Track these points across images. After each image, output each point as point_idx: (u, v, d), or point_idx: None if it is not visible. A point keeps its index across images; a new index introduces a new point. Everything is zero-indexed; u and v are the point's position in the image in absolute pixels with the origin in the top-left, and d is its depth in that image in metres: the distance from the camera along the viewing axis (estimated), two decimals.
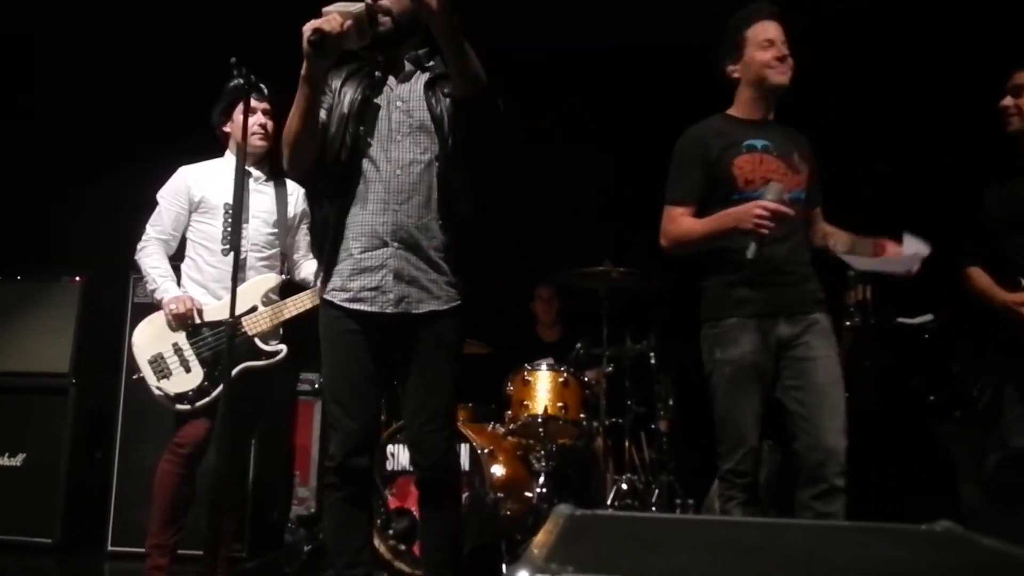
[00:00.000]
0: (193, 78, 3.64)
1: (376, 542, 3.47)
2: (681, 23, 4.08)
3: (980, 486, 2.76)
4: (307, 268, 3.09)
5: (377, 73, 2.35)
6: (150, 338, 2.85)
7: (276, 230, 3.02)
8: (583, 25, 4.30)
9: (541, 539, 1.09)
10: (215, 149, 3.10)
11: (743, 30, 2.51)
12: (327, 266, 2.33)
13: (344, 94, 2.31)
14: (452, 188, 2.29)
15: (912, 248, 2.43)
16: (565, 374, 3.68)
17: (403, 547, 3.40)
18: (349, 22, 2.09)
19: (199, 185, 2.99)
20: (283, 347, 2.94)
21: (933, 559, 1.14)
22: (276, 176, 3.05)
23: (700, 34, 2.84)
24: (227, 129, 3.03)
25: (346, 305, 2.28)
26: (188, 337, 2.85)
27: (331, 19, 2.07)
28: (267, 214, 3.01)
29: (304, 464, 4.16)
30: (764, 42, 2.47)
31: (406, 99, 2.32)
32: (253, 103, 2.83)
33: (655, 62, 4.33)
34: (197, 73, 3.47)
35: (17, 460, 3.93)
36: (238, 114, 2.84)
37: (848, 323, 3.41)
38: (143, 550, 2.83)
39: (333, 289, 2.31)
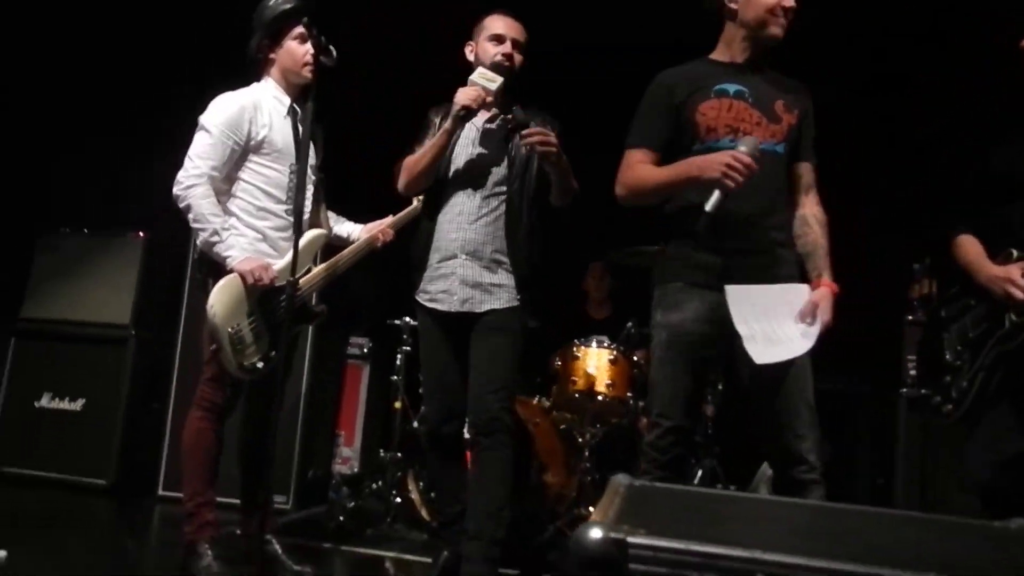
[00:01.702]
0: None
1: (417, 504, 3.54)
2: None
3: (962, 489, 2.53)
4: (342, 228, 3.04)
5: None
6: (229, 307, 2.62)
7: (320, 179, 2.93)
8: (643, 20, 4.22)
9: (605, 504, 1.09)
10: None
11: None
12: (414, 269, 2.79)
13: (442, 129, 2.68)
14: (518, 220, 2.72)
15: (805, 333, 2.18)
16: (615, 352, 3.66)
17: None
18: (489, 98, 2.60)
19: (261, 121, 2.75)
20: (324, 306, 2.93)
21: (1010, 556, 1.11)
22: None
23: None
24: (272, 56, 2.80)
25: (428, 304, 2.76)
26: (260, 304, 2.68)
27: (477, 95, 2.57)
28: (315, 159, 2.88)
29: (350, 425, 4.24)
30: None
31: (489, 141, 2.76)
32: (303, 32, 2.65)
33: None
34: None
35: (77, 405, 4.07)
36: (290, 41, 2.74)
37: (911, 317, 3.32)
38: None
39: (419, 290, 2.79)
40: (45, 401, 4.09)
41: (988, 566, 1.05)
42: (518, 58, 2.70)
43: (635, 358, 3.73)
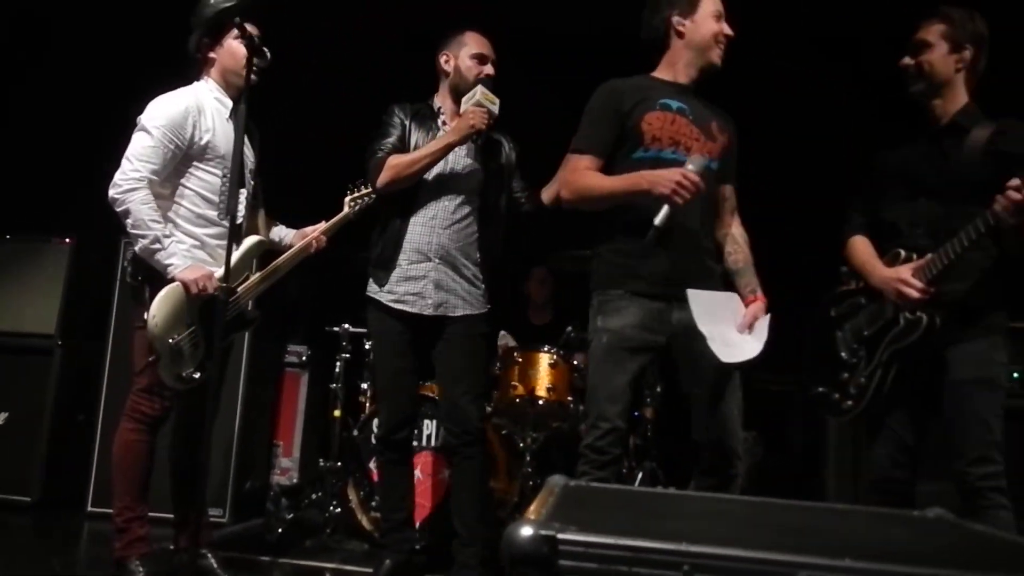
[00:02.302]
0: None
1: (358, 514, 3.48)
2: None
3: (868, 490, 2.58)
4: (274, 233, 2.96)
5: (442, 119, 2.86)
6: (170, 318, 2.56)
7: (257, 182, 2.86)
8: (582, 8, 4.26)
9: (539, 503, 1.09)
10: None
11: None
12: (377, 268, 2.81)
13: (413, 132, 2.80)
14: (490, 225, 2.85)
15: (755, 337, 2.35)
16: (555, 356, 3.68)
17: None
18: (492, 121, 2.72)
19: (205, 125, 2.66)
20: (258, 312, 2.94)
21: (926, 543, 1.15)
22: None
23: None
24: (212, 55, 2.74)
25: (392, 305, 2.77)
26: (200, 314, 2.61)
27: (484, 117, 2.68)
28: (252, 163, 2.82)
29: (288, 435, 4.16)
30: (716, 13, 2.43)
31: (466, 150, 2.83)
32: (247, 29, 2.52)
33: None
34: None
35: (0, 418, 3.91)
36: (231, 40, 2.68)
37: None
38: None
39: (381, 289, 2.80)
40: None
41: (905, 552, 1.09)
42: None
43: (575, 362, 3.75)
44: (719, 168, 2.44)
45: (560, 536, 0.88)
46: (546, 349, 3.70)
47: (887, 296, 2.41)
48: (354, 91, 4.37)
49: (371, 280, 2.85)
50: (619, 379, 2.31)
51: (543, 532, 0.88)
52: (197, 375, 2.62)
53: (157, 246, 2.54)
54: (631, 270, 2.34)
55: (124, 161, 2.57)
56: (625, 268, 2.35)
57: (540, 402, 3.58)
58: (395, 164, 2.72)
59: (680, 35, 2.45)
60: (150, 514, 2.68)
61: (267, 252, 2.92)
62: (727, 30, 2.44)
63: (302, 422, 4.13)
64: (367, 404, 3.74)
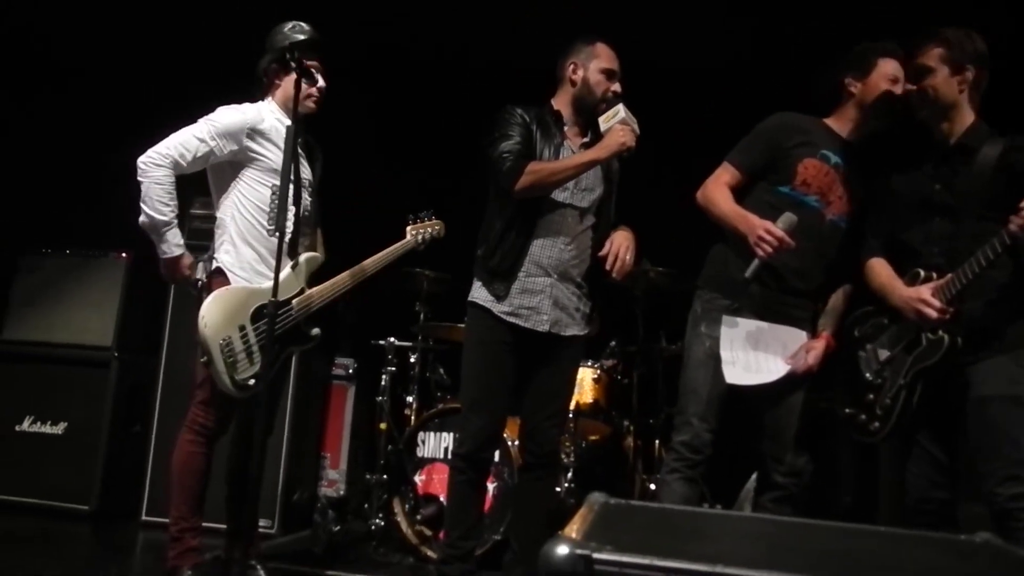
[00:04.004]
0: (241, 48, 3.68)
1: (404, 527, 3.51)
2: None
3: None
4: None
5: (565, 128, 2.77)
6: (220, 319, 2.64)
7: (314, 200, 2.96)
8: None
9: (577, 521, 1.10)
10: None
11: (876, 56, 2.58)
12: (492, 277, 2.69)
13: (539, 138, 2.70)
14: (601, 242, 2.72)
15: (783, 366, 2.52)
16: (599, 370, 3.68)
17: (430, 533, 3.43)
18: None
19: (262, 141, 2.79)
20: (318, 329, 2.91)
21: (973, 569, 1.12)
22: (307, 136, 2.96)
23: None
24: (278, 81, 2.88)
25: (504, 317, 2.67)
26: (252, 320, 2.69)
27: (633, 136, 2.61)
28: (310, 185, 2.93)
29: (335, 447, 4.22)
30: (892, 77, 2.56)
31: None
32: (314, 67, 2.77)
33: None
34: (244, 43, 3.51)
35: (59, 428, 4.03)
36: (291, 79, 2.72)
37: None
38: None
39: (496, 300, 2.68)
40: (27, 424, 4.05)
41: None
42: None
43: (618, 376, 3.75)
44: (847, 227, 2.61)
45: (596, 556, 0.88)
46: (590, 363, 3.70)
47: (908, 316, 2.41)
48: (417, 120, 4.53)
49: (481, 286, 2.73)
50: (717, 385, 2.48)
51: (579, 551, 0.88)
52: (252, 382, 2.66)
53: (163, 228, 2.70)
54: (740, 288, 2.51)
55: (166, 139, 2.72)
56: (733, 283, 2.53)
57: (583, 416, 3.58)
58: (536, 171, 2.61)
59: (851, 94, 2.60)
60: (203, 524, 2.75)
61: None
62: (897, 89, 2.54)
63: (349, 434, 4.19)
64: (412, 418, 3.78)
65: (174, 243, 2.73)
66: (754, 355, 2.50)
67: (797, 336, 2.58)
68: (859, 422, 2.54)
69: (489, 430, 2.71)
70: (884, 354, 2.50)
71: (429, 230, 3.11)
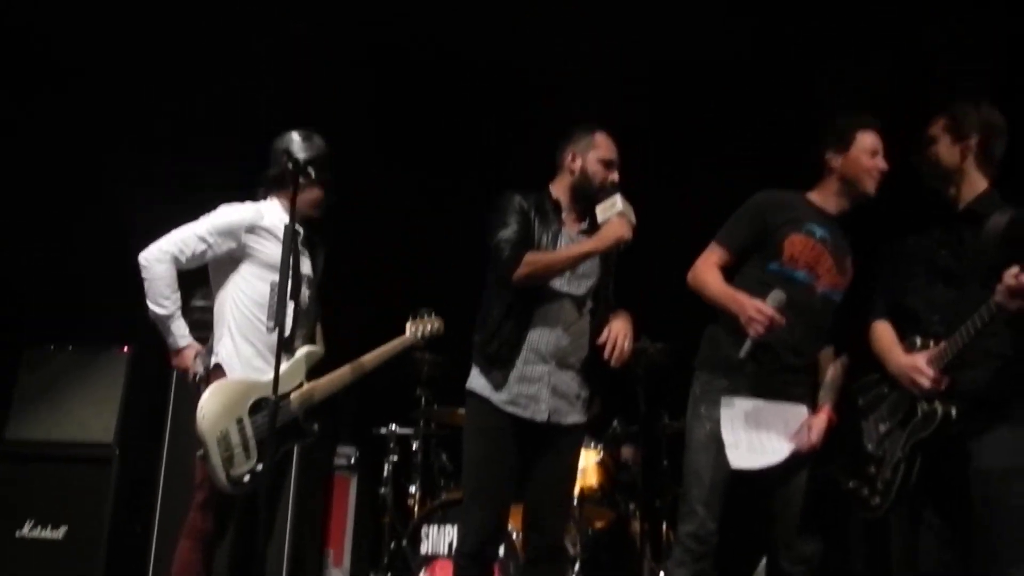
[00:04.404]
0: (242, 144, 3.79)
1: None
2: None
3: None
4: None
5: (563, 215, 2.78)
6: (218, 412, 2.68)
7: (313, 295, 3.00)
8: None
9: None
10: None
11: (855, 130, 2.63)
12: (490, 365, 2.67)
13: (537, 226, 2.71)
14: (599, 327, 2.70)
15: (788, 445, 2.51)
16: (601, 453, 3.65)
17: None
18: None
19: (266, 239, 2.86)
20: (317, 425, 2.93)
21: None
22: (311, 234, 3.03)
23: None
24: (284, 190, 2.92)
25: (503, 407, 2.63)
26: (250, 412, 2.73)
27: (629, 228, 2.61)
28: (310, 280, 2.98)
29: (339, 542, 4.16)
30: (872, 150, 2.61)
31: None
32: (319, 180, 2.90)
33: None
34: (246, 139, 3.62)
35: (59, 533, 3.96)
36: (306, 188, 2.84)
37: None
38: None
39: (494, 389, 2.65)
40: (27, 530, 3.98)
41: None
42: None
43: (622, 458, 3.72)
44: (840, 300, 2.65)
45: None
46: (592, 445, 3.67)
47: (904, 384, 2.41)
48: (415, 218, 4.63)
49: (479, 374, 2.71)
50: (720, 468, 2.47)
51: None
52: (248, 479, 2.67)
53: (168, 322, 2.81)
54: (737, 367, 2.49)
55: (166, 235, 2.83)
56: (729, 363, 2.51)
57: (587, 502, 3.54)
58: (534, 262, 2.63)
59: (832, 169, 2.65)
60: None
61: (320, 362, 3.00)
62: (882, 165, 2.60)
63: (352, 528, 4.13)
64: (416, 508, 3.74)
65: (179, 335, 2.83)
66: (756, 436, 2.49)
67: (798, 412, 2.57)
68: (862, 496, 2.52)
69: (492, 523, 2.65)
70: (884, 425, 2.49)
71: (428, 326, 3.16)
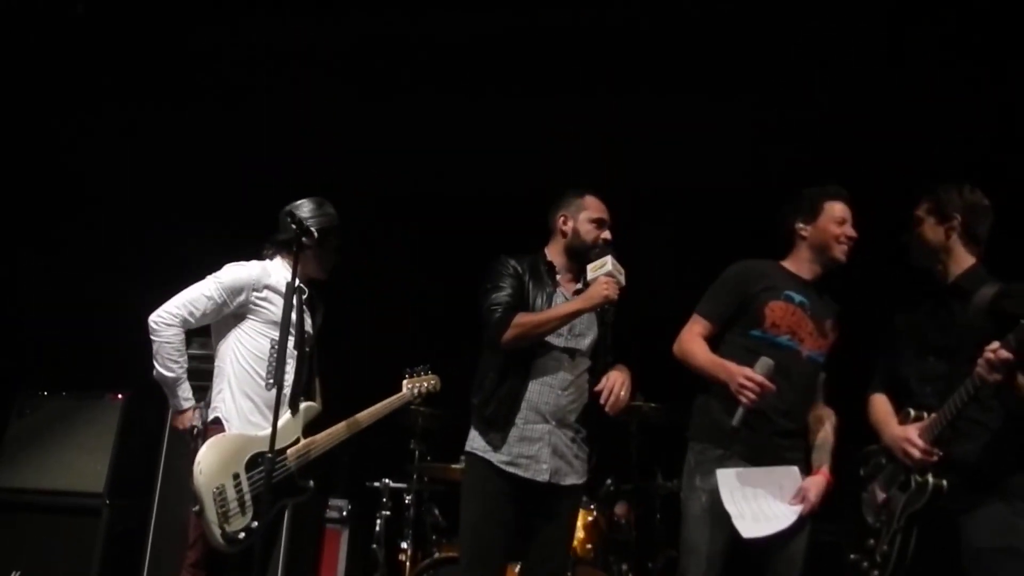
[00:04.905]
0: (235, 200, 3.88)
1: None
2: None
3: None
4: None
5: (558, 277, 2.84)
6: (215, 467, 2.69)
7: (312, 351, 3.03)
8: None
9: None
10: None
11: (823, 200, 2.72)
12: (489, 427, 2.68)
13: (531, 288, 2.77)
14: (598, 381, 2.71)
15: (793, 509, 2.51)
16: (595, 512, 3.64)
17: None
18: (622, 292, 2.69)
19: (271, 296, 2.91)
20: (312, 483, 2.94)
21: None
22: (311, 296, 3.08)
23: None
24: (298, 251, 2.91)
25: (503, 467, 2.64)
26: (247, 468, 2.74)
27: (616, 289, 2.65)
28: (310, 337, 3.03)
29: None
30: (840, 219, 2.69)
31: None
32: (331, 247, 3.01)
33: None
34: (238, 195, 3.70)
35: None
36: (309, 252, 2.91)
37: None
38: None
39: (493, 450, 2.66)
40: None
41: None
42: None
43: (615, 517, 3.71)
44: (824, 361, 2.69)
45: None
46: (585, 505, 3.65)
47: (897, 456, 2.45)
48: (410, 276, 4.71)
49: (478, 436, 2.73)
50: (717, 541, 2.47)
51: None
52: (243, 535, 2.66)
53: (174, 386, 2.87)
54: (731, 434, 2.50)
55: (176, 297, 2.87)
56: (722, 431, 2.53)
57: (581, 563, 3.51)
58: (522, 323, 2.66)
59: (803, 237, 2.73)
60: None
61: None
62: (850, 232, 2.69)
63: None
64: (408, 564, 3.71)
65: (183, 398, 2.90)
66: (756, 504, 2.50)
67: (791, 475, 2.58)
68: (862, 569, 2.52)
69: None
70: (881, 496, 2.51)
71: (425, 384, 3.21)
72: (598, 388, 2.65)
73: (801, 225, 2.72)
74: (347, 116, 4.68)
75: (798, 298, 2.64)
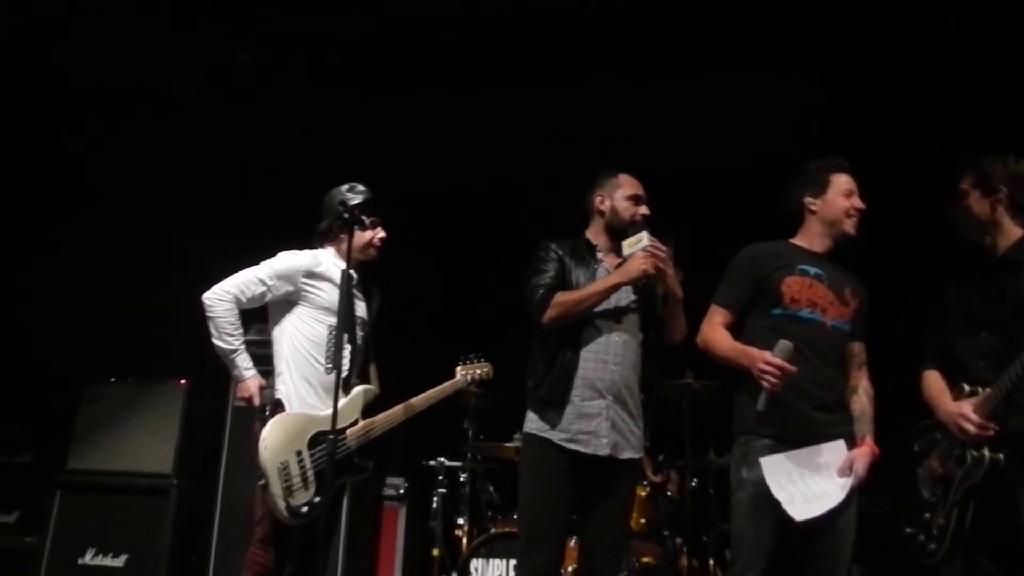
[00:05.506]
0: (300, 182, 3.98)
1: None
2: None
3: None
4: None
5: (599, 255, 2.88)
6: (280, 443, 2.81)
7: (367, 336, 3.12)
8: None
9: None
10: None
11: (829, 172, 2.70)
12: (546, 406, 2.72)
13: (573, 268, 2.82)
14: (650, 361, 2.82)
15: (842, 484, 2.47)
16: (648, 487, 3.67)
17: None
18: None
19: (322, 283, 3.01)
20: (370, 463, 3.04)
21: None
22: (365, 279, 3.18)
23: None
24: (343, 235, 3.05)
25: (564, 444, 2.68)
26: (309, 446, 2.85)
27: (653, 262, 2.68)
28: (364, 322, 3.11)
29: (388, 572, 4.20)
30: (847, 191, 2.68)
31: (630, 287, 2.81)
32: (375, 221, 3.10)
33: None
34: (304, 177, 3.80)
35: (120, 561, 4.08)
36: (359, 231, 3.01)
37: None
38: None
39: (552, 428, 2.70)
40: (88, 558, 4.11)
41: None
42: None
43: (668, 493, 3.73)
44: (850, 329, 2.65)
45: None
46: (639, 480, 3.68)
47: (952, 431, 2.44)
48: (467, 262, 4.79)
49: (535, 417, 2.76)
50: (765, 530, 2.46)
51: None
52: (305, 509, 2.77)
53: (233, 356, 2.97)
54: (775, 418, 2.49)
55: (228, 278, 3.00)
56: (769, 416, 2.49)
57: (635, 537, 3.55)
58: (562, 301, 2.73)
59: (812, 212, 2.71)
60: None
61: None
62: (858, 204, 2.67)
63: (401, 560, 4.18)
64: (464, 540, 3.79)
65: (244, 367, 2.99)
66: (805, 485, 2.48)
67: (837, 449, 2.55)
68: (918, 543, 2.53)
69: (554, 558, 2.72)
70: (937, 470, 2.50)
71: (478, 371, 3.32)
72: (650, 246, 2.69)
73: (809, 199, 2.70)
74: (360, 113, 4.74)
75: (813, 270, 2.62)
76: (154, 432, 4.31)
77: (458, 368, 3.30)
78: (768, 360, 2.42)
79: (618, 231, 2.86)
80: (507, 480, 4.16)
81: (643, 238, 2.73)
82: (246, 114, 4.81)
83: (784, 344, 2.44)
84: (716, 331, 2.64)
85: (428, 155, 4.83)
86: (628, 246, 2.76)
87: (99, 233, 5.17)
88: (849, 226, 2.67)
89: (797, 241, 2.73)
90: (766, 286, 2.61)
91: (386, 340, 3.23)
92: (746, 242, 2.77)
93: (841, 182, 2.68)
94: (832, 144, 2.86)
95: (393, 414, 3.07)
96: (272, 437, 2.80)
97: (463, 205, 5.00)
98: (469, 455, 4.00)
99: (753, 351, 2.50)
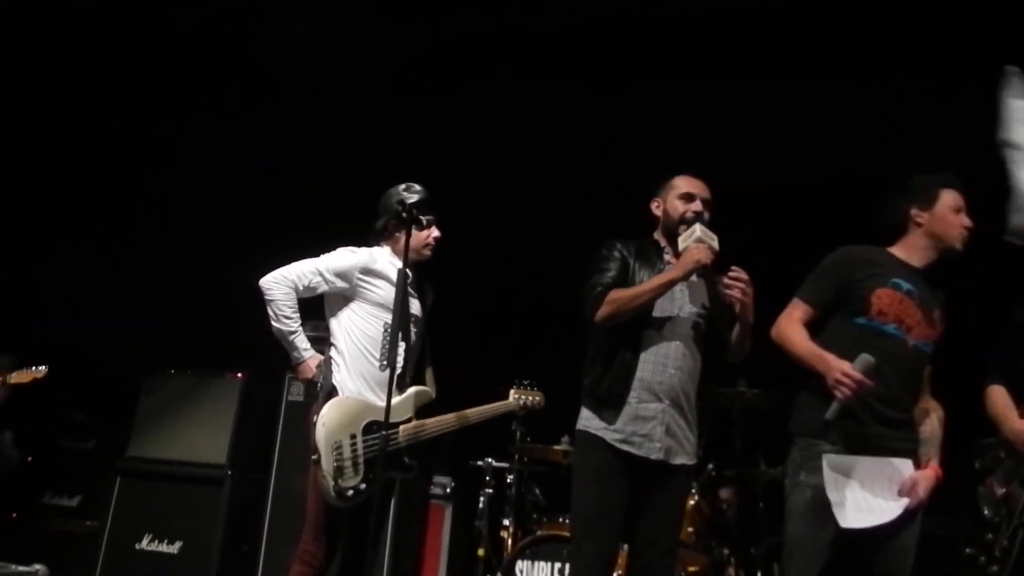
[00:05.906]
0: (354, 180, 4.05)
1: None
2: None
3: None
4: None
5: (667, 256, 2.85)
6: (337, 423, 2.85)
7: (421, 335, 3.15)
8: None
9: None
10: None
11: (938, 187, 2.63)
12: (602, 405, 2.70)
13: (639, 268, 2.79)
14: (711, 371, 2.78)
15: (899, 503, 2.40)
16: (696, 496, 3.63)
17: None
18: (715, 256, 2.69)
19: (378, 280, 3.05)
20: (416, 463, 3.04)
21: None
22: (419, 278, 3.20)
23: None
24: (397, 234, 3.10)
25: (618, 445, 2.66)
26: (364, 432, 2.88)
27: (707, 253, 2.66)
28: (418, 320, 3.14)
29: (433, 570, 4.24)
30: (956, 207, 2.61)
31: (692, 294, 2.79)
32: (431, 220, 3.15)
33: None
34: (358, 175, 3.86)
35: (175, 548, 4.20)
36: (415, 230, 3.04)
37: None
38: None
39: (607, 427, 2.68)
40: (145, 543, 4.23)
41: None
42: (707, 214, 2.86)
43: (718, 503, 3.69)
44: (931, 352, 2.59)
45: None
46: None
47: (1018, 449, 2.37)
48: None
49: (591, 415, 2.74)
50: (822, 537, 2.39)
51: None
52: (351, 493, 2.80)
53: (292, 336, 3.03)
54: (829, 430, 2.44)
55: (287, 266, 3.06)
56: (825, 427, 2.44)
57: (682, 546, 3.50)
58: (616, 298, 2.70)
59: (919, 225, 2.64)
60: None
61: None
62: (966, 222, 2.61)
63: (446, 559, 4.21)
64: (509, 541, 3.81)
65: (302, 348, 3.05)
66: (862, 494, 2.41)
67: (903, 467, 2.49)
68: (980, 564, 2.47)
69: (602, 559, 2.66)
70: (1001, 490, 2.43)
71: (530, 398, 3.39)
72: (731, 276, 2.63)
73: (916, 211, 2.63)
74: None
75: (906, 286, 2.55)
76: (211, 423, 4.42)
77: (512, 391, 3.37)
78: (847, 372, 2.34)
79: (672, 231, 2.84)
80: (553, 483, 4.17)
81: (695, 231, 2.70)
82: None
83: (866, 358, 2.37)
84: (793, 327, 2.57)
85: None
86: (682, 241, 2.74)
87: (171, 229, 5.33)
88: (957, 243, 2.60)
89: (895, 251, 2.65)
90: (855, 292, 2.54)
91: (444, 347, 3.26)
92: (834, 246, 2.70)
93: (951, 198, 2.62)
94: (894, 159, 2.81)
95: (446, 420, 3.10)
96: (330, 416, 2.85)
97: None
98: (516, 456, 4.02)
99: (831, 359, 2.41)
